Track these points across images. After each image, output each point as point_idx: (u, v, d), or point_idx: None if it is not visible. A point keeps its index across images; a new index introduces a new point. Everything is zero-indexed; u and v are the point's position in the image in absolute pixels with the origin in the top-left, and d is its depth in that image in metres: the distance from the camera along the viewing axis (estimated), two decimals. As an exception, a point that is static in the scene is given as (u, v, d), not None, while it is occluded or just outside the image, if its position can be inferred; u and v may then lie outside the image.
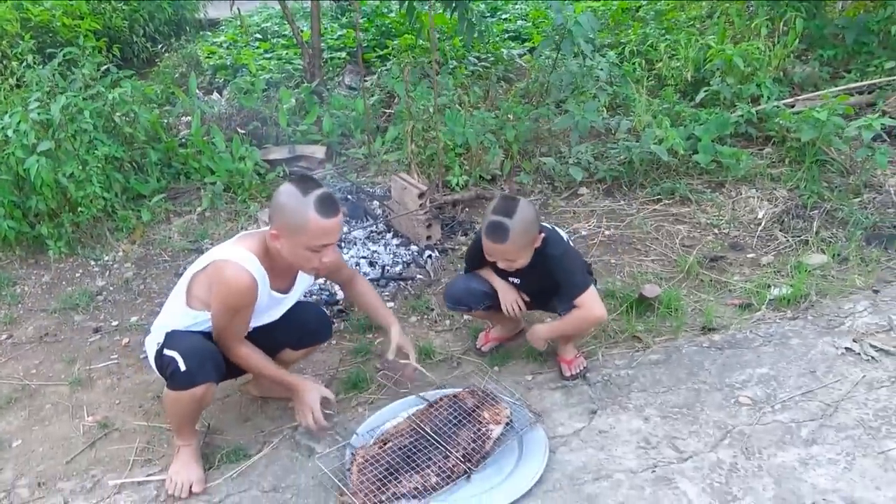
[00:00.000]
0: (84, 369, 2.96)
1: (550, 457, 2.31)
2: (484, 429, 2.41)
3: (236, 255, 2.17)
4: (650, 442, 2.37)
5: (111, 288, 3.55)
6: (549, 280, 2.56)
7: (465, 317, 3.14)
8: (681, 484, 2.19)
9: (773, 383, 2.60)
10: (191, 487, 2.27)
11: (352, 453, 2.33)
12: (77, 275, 3.67)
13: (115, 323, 3.27)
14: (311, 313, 2.57)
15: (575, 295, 2.50)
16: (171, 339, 2.23)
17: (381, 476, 2.22)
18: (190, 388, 2.16)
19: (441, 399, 2.54)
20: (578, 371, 2.72)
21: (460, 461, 2.29)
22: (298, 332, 2.49)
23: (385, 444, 2.36)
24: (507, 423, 2.45)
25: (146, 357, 2.97)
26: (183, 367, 2.13)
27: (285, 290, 2.36)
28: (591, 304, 2.51)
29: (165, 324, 2.29)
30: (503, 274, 2.69)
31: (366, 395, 2.71)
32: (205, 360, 2.17)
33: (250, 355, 2.31)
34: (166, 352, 2.20)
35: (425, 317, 3.19)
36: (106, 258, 3.78)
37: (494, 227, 2.40)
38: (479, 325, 3.05)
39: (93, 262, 3.75)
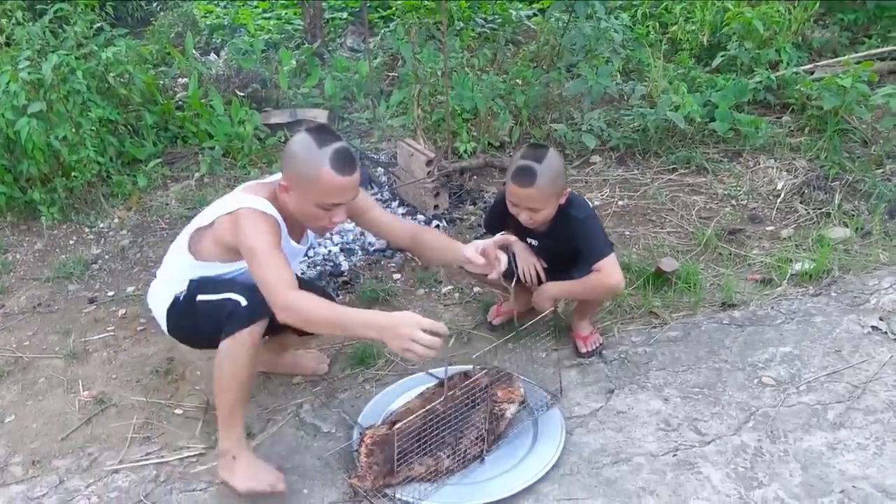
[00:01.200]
0: (79, 341, 2.85)
1: (567, 438, 2.21)
2: (497, 409, 2.31)
3: (249, 202, 2.00)
4: (670, 424, 2.27)
5: (106, 256, 3.42)
6: (570, 245, 2.44)
7: (476, 289, 3.03)
8: (703, 469, 2.10)
9: (797, 363, 2.50)
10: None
11: (360, 434, 2.23)
12: (71, 242, 3.54)
13: (110, 293, 3.15)
14: (313, 292, 2.41)
15: (594, 260, 2.39)
16: (212, 283, 2.08)
17: (390, 459, 2.12)
18: (253, 324, 1.96)
19: (452, 377, 2.43)
20: (594, 348, 2.62)
21: (474, 443, 2.19)
22: None
23: (394, 424, 2.26)
24: (522, 403, 2.35)
25: (143, 329, 2.88)
26: (245, 302, 1.97)
27: (299, 241, 2.24)
28: (610, 269, 2.39)
29: (175, 278, 2.15)
30: (522, 236, 2.58)
31: (373, 371, 2.61)
32: (260, 295, 1.95)
33: (316, 302, 1.88)
34: (211, 297, 2.03)
35: (433, 290, 3.07)
36: (101, 225, 3.65)
37: (522, 170, 2.30)
38: (490, 299, 2.94)
39: (87, 229, 3.62)
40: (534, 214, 2.36)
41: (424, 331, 1.74)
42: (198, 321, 2.08)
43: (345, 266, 3.21)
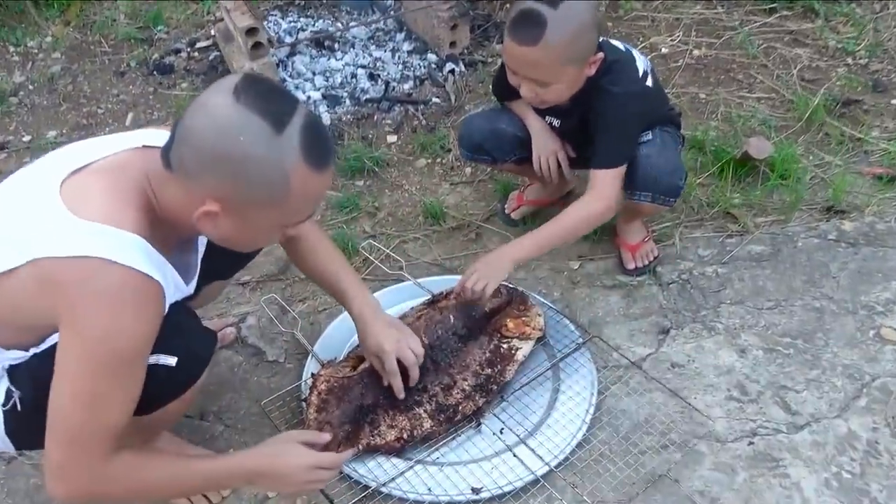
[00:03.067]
0: (-23, 202, 2.21)
1: (598, 401, 1.58)
2: (506, 346, 1.66)
3: (104, 244, 1.02)
4: (747, 391, 1.62)
5: (31, 87, 2.70)
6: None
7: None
8: (792, 469, 1.46)
9: (933, 308, 1.79)
10: None
11: (312, 374, 1.61)
12: (-10, 65, 2.81)
13: (26, 138, 2.47)
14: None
15: (597, 161, 1.65)
16: None
17: (350, 416, 1.51)
18: (193, 383, 1.29)
19: (446, 294, 1.77)
20: (646, 263, 1.93)
21: (468, 396, 1.57)
22: (226, 255, 1.28)
23: (361, 361, 1.63)
24: (540, 339, 1.70)
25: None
26: (175, 360, 1.20)
27: (189, 263, 1.29)
28: (603, 188, 1.64)
29: None
30: (541, 111, 1.81)
31: (346, 274, 1.95)
32: (195, 338, 1.28)
33: (145, 466, 1.15)
34: None
35: (438, 160, 2.33)
36: (30, 43, 2.89)
37: (524, 18, 1.52)
38: (510, 181, 2.21)
39: (12, 49, 2.87)
40: (539, 90, 1.59)
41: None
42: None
43: (326, 120, 2.45)
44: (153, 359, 1.14)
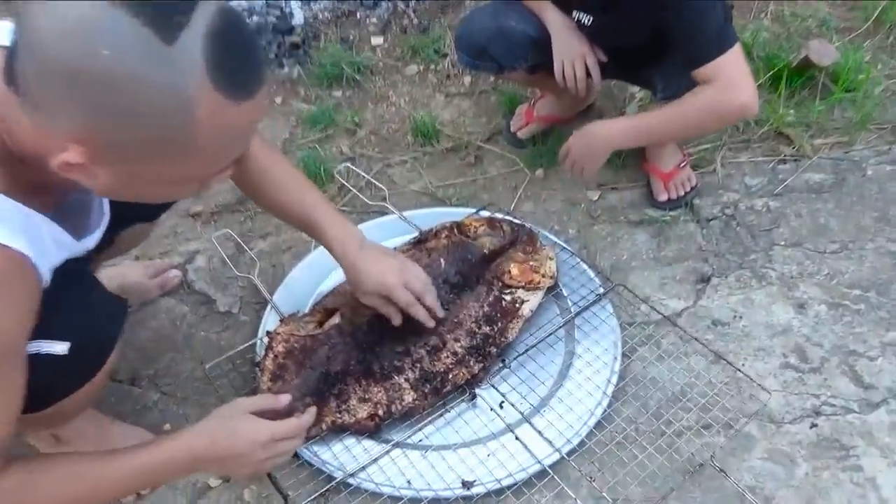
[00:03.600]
0: None
1: (623, 367, 1.27)
2: (509, 297, 1.35)
3: None
4: (808, 358, 1.30)
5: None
6: (646, 25, 1.33)
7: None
8: (865, 460, 1.16)
9: None
10: None
11: (268, 332, 1.30)
12: None
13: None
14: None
15: (702, 56, 1.28)
16: None
17: (312, 386, 1.21)
18: (95, 374, 0.99)
19: (436, 231, 1.45)
20: (681, 194, 1.59)
21: (461, 360, 1.26)
22: None
23: (330, 316, 1.32)
24: (551, 289, 1.39)
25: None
26: (67, 348, 0.90)
27: (85, 207, 0.97)
28: (733, 75, 1.29)
29: None
30: (566, 6, 1.44)
31: (317, 205, 1.62)
32: (94, 319, 0.97)
33: (49, 480, 0.87)
34: None
35: (432, 67, 1.98)
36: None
37: None
38: (518, 91, 1.85)
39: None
40: None
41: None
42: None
43: (299, 18, 2.06)
44: (32, 347, 0.84)
